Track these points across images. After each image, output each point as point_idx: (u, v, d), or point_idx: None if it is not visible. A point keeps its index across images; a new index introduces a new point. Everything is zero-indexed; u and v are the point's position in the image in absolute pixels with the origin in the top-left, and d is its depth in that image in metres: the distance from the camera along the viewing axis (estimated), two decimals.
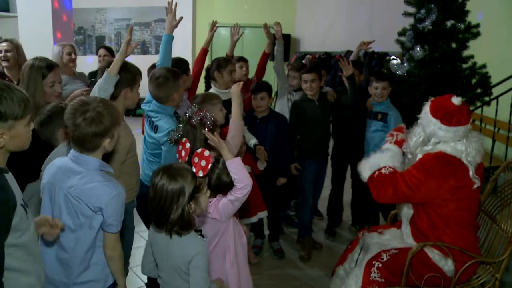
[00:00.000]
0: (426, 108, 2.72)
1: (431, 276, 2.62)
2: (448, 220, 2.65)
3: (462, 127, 2.62)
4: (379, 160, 2.80)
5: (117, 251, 2.09)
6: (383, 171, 2.73)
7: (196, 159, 1.96)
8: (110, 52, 5.49)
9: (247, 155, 3.60)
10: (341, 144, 4.55)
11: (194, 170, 1.96)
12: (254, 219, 3.65)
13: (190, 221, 1.94)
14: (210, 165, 1.96)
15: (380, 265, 2.64)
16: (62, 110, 2.31)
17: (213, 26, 4.35)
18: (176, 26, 3.55)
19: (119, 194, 2.00)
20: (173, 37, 3.52)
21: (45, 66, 2.93)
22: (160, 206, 1.91)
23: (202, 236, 2.02)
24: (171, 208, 1.89)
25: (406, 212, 2.84)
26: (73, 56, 4.55)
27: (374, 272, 2.64)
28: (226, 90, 3.97)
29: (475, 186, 2.59)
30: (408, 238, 2.82)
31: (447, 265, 2.64)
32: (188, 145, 2.10)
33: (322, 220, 4.95)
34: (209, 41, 4.30)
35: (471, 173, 2.58)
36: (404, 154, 2.89)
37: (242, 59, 4.72)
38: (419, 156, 2.72)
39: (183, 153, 2.08)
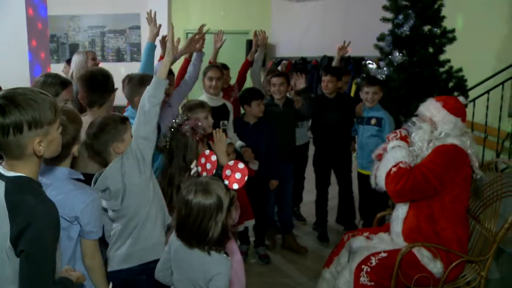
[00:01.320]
0: (438, 105, 2.85)
1: (420, 276, 2.66)
2: (449, 213, 2.73)
3: (464, 124, 2.86)
4: (394, 157, 2.83)
5: (96, 260, 2.04)
6: (401, 165, 2.76)
7: (228, 172, 1.88)
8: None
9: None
10: (322, 150, 4.58)
11: (226, 182, 1.88)
12: (240, 228, 3.64)
13: (228, 236, 1.87)
14: (246, 177, 1.87)
15: (369, 269, 2.67)
16: (114, 122, 2.27)
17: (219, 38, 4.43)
18: (157, 34, 3.56)
19: (94, 200, 1.97)
20: (155, 46, 3.52)
21: (59, 83, 2.80)
22: (198, 224, 1.80)
23: (227, 254, 1.93)
24: (210, 224, 1.79)
25: (401, 210, 2.89)
26: (97, 61, 4.53)
27: (363, 276, 2.67)
28: (215, 97, 4.00)
29: (478, 176, 2.78)
30: (398, 237, 2.86)
31: (436, 267, 2.68)
32: (214, 158, 2.03)
33: (306, 225, 4.97)
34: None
35: (476, 164, 2.75)
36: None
37: (223, 66, 4.73)
38: (428, 150, 2.81)
39: (208, 166, 1.99)
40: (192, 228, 1.81)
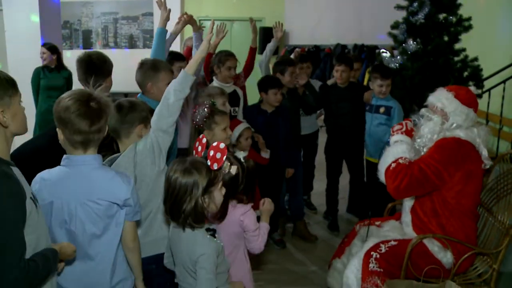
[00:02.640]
0: (449, 96, 2.77)
1: (430, 268, 2.64)
2: (452, 208, 2.68)
3: (475, 114, 2.78)
4: (394, 153, 2.78)
5: (137, 241, 2.06)
6: (400, 161, 2.71)
7: (211, 152, 1.92)
8: (50, 50, 5.80)
9: (252, 150, 3.62)
10: (334, 138, 4.56)
11: (209, 163, 1.92)
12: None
13: (203, 215, 1.90)
14: (225, 157, 1.92)
15: (378, 256, 2.66)
16: (145, 105, 2.31)
17: (220, 29, 4.30)
18: (168, 19, 3.54)
19: (133, 181, 2.01)
20: (166, 31, 3.51)
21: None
22: (174, 198, 1.88)
23: (214, 236, 1.97)
24: (184, 199, 1.86)
25: (408, 203, 2.86)
26: None
27: (372, 262, 2.65)
28: (227, 84, 3.98)
29: (487, 166, 2.71)
30: (408, 227, 2.84)
31: (446, 257, 2.66)
32: (204, 140, 2.06)
33: (316, 214, 4.97)
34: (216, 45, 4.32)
35: (485, 154, 2.69)
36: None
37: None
38: (429, 144, 2.75)
39: (199, 148, 2.04)
40: (170, 200, 1.89)
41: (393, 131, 2.92)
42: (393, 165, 2.71)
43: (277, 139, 3.91)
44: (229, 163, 2.14)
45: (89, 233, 1.90)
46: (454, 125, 2.72)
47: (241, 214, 2.32)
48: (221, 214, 2.15)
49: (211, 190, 1.90)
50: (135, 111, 2.28)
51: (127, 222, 1.99)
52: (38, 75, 5.79)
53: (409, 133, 2.88)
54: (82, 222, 1.89)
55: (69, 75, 5.94)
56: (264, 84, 3.98)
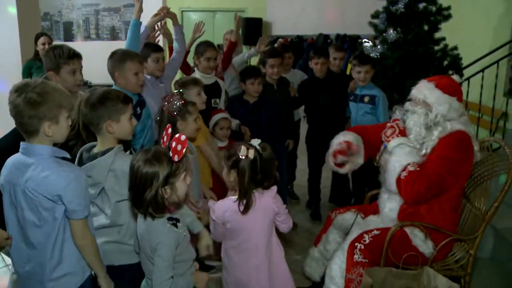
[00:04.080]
0: (430, 86, 2.73)
1: (409, 255, 2.67)
2: (446, 198, 2.70)
3: (460, 104, 2.72)
4: (401, 160, 2.69)
5: (87, 239, 2.01)
6: (410, 168, 2.63)
7: (173, 144, 1.92)
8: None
9: (232, 141, 3.62)
10: (316, 129, 4.57)
11: (170, 154, 1.93)
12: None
13: (164, 205, 1.92)
14: (185, 149, 1.93)
15: (362, 247, 2.67)
16: (117, 98, 2.21)
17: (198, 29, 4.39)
18: (141, 10, 3.51)
19: (78, 177, 1.94)
20: (140, 22, 3.48)
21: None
22: (136, 186, 1.90)
23: (176, 226, 1.97)
24: (145, 189, 1.88)
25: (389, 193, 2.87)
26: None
27: (357, 253, 2.66)
28: (207, 75, 3.97)
29: (478, 157, 2.73)
30: (392, 212, 2.83)
31: (428, 248, 2.68)
32: (170, 130, 2.06)
33: (299, 204, 5.00)
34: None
35: (476, 147, 2.71)
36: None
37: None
38: (434, 140, 2.68)
39: (165, 138, 2.04)
40: (132, 189, 1.93)
41: (387, 137, 2.82)
42: (404, 173, 2.64)
43: (259, 130, 3.88)
44: (246, 148, 2.24)
45: (30, 221, 1.94)
46: (439, 115, 2.67)
47: (272, 198, 2.40)
48: (246, 205, 2.28)
49: (172, 181, 1.91)
50: (102, 106, 2.18)
51: (69, 220, 1.97)
52: (29, 69, 5.61)
53: (402, 132, 2.79)
54: (22, 209, 1.94)
55: None
56: (243, 75, 3.97)
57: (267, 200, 2.38)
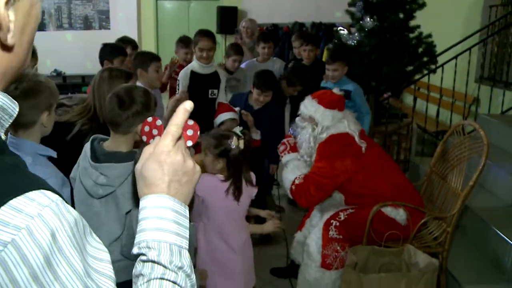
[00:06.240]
0: (314, 103, 2.95)
1: (390, 233, 2.79)
2: (365, 190, 2.89)
3: (341, 112, 2.96)
4: (289, 176, 2.99)
5: None
6: (296, 181, 2.91)
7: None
8: None
9: None
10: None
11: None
12: None
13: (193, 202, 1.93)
14: (198, 132, 1.90)
15: (337, 224, 2.83)
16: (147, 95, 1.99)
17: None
18: None
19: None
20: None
21: None
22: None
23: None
24: None
25: (339, 197, 3.06)
26: None
27: (332, 230, 2.83)
28: (204, 65, 3.95)
29: (363, 148, 2.87)
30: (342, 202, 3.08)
31: (399, 215, 2.84)
32: (159, 122, 1.96)
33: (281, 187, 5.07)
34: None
35: (356, 139, 2.87)
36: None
37: (187, 45, 4.74)
38: (313, 152, 2.95)
39: (155, 132, 1.95)
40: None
41: (280, 152, 3.16)
42: (293, 187, 2.93)
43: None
44: (237, 138, 2.27)
45: None
46: (324, 127, 2.90)
47: (249, 198, 2.51)
48: (239, 191, 2.35)
49: None
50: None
51: None
52: None
53: (294, 148, 3.10)
54: None
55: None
56: (256, 82, 3.78)
57: (245, 197, 2.46)
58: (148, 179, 0.83)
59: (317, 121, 2.92)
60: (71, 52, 10.02)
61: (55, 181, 1.82)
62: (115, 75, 2.53)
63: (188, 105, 0.86)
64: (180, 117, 0.87)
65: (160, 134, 1.97)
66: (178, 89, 3.96)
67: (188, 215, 0.84)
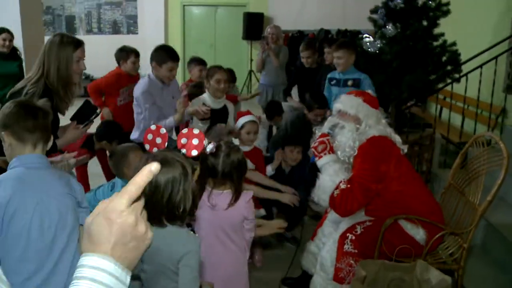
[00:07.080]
0: (360, 101, 2.82)
1: (403, 247, 2.71)
2: (394, 200, 2.78)
3: (378, 111, 2.87)
4: (330, 180, 2.77)
5: None
6: (342, 186, 2.72)
7: (183, 140, 1.83)
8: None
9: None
10: None
11: (184, 151, 1.84)
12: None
13: (186, 210, 1.77)
14: (204, 141, 1.86)
15: (353, 237, 2.72)
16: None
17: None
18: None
19: None
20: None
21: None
22: (167, 198, 1.71)
23: (194, 232, 1.90)
24: (180, 196, 1.70)
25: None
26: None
27: (348, 244, 2.72)
28: (218, 99, 3.91)
29: (404, 152, 2.81)
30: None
31: (418, 234, 2.73)
32: (163, 131, 1.95)
33: None
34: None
35: (398, 139, 2.80)
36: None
37: (201, 63, 4.79)
38: (352, 152, 2.78)
39: (158, 140, 1.94)
40: (161, 204, 1.69)
41: (318, 152, 2.85)
42: (336, 191, 2.72)
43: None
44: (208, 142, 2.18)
45: None
46: (368, 127, 2.77)
47: (245, 202, 2.35)
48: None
49: (187, 185, 1.79)
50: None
51: None
52: None
53: (332, 149, 2.85)
54: None
55: (21, 62, 5.67)
56: (283, 141, 3.87)
57: (238, 203, 2.32)
58: (93, 236, 0.77)
59: (361, 119, 2.78)
60: (99, 56, 10.25)
61: None
62: (66, 41, 2.68)
63: (154, 167, 0.80)
64: (143, 178, 0.79)
65: (164, 142, 1.98)
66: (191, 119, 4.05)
67: (128, 283, 0.78)
